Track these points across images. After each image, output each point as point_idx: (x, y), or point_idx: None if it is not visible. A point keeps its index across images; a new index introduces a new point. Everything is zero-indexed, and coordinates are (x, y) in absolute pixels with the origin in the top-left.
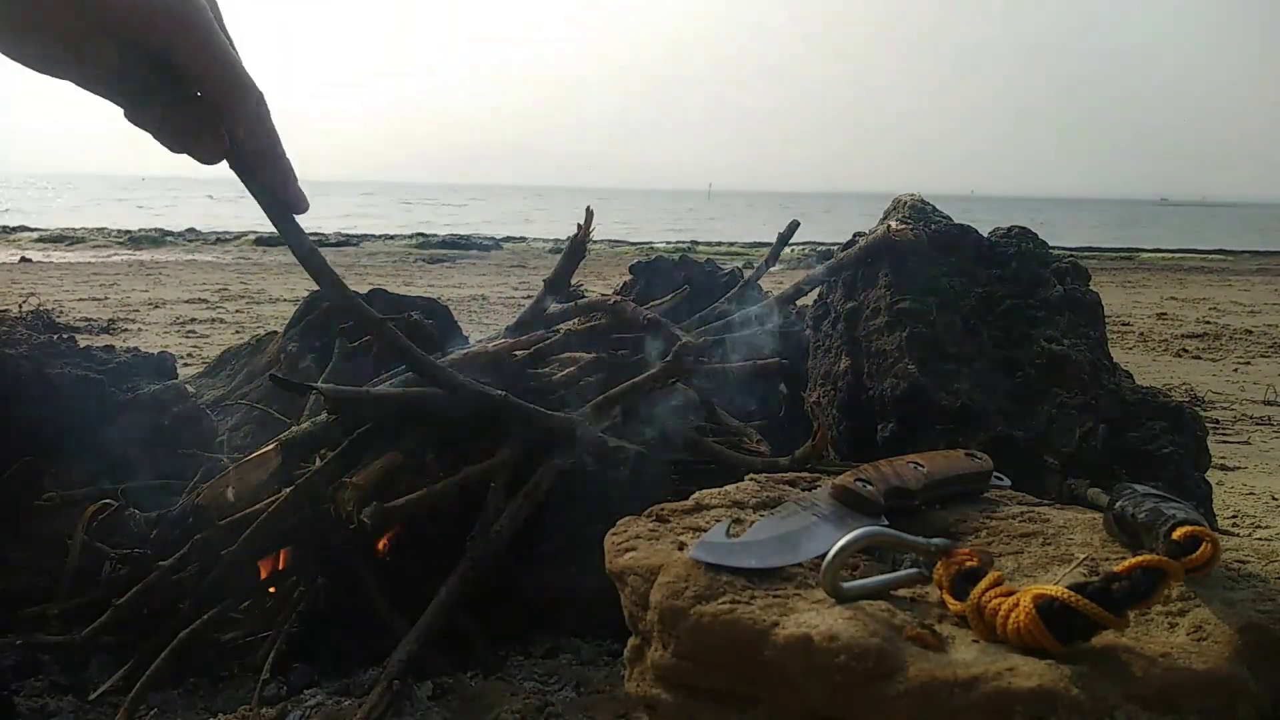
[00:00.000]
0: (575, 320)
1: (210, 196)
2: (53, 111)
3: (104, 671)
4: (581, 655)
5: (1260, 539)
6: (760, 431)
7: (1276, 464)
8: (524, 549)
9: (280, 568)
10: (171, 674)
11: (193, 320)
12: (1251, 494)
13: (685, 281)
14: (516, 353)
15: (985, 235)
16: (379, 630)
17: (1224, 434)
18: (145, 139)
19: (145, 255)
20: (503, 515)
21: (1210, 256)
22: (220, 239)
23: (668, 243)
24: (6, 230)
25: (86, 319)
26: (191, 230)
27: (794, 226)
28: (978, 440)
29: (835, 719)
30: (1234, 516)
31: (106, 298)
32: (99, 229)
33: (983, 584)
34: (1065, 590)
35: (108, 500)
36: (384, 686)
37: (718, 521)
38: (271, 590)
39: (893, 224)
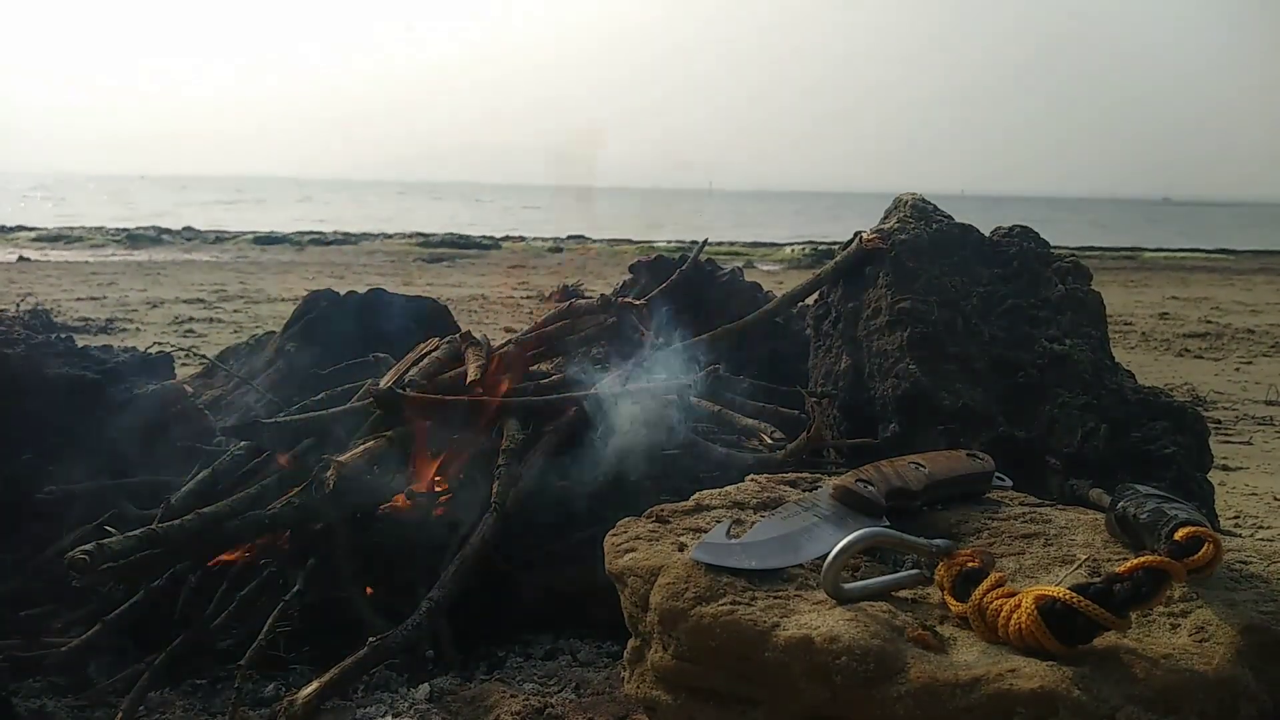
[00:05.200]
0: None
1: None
2: (53, 111)
3: (103, 672)
4: (581, 656)
5: (1262, 539)
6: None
7: (1278, 464)
8: (524, 549)
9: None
10: (170, 675)
11: (191, 320)
12: (1254, 494)
13: (684, 281)
14: None
15: (986, 234)
16: (367, 628)
17: (1226, 434)
18: (144, 139)
19: (143, 254)
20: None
21: (1213, 256)
22: (219, 238)
23: (668, 242)
24: (4, 229)
25: (84, 318)
26: (190, 229)
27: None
28: (979, 440)
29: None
30: (1236, 517)
31: (105, 297)
32: (97, 228)
33: (984, 585)
34: (1067, 591)
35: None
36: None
37: (718, 522)
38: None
39: (864, 234)
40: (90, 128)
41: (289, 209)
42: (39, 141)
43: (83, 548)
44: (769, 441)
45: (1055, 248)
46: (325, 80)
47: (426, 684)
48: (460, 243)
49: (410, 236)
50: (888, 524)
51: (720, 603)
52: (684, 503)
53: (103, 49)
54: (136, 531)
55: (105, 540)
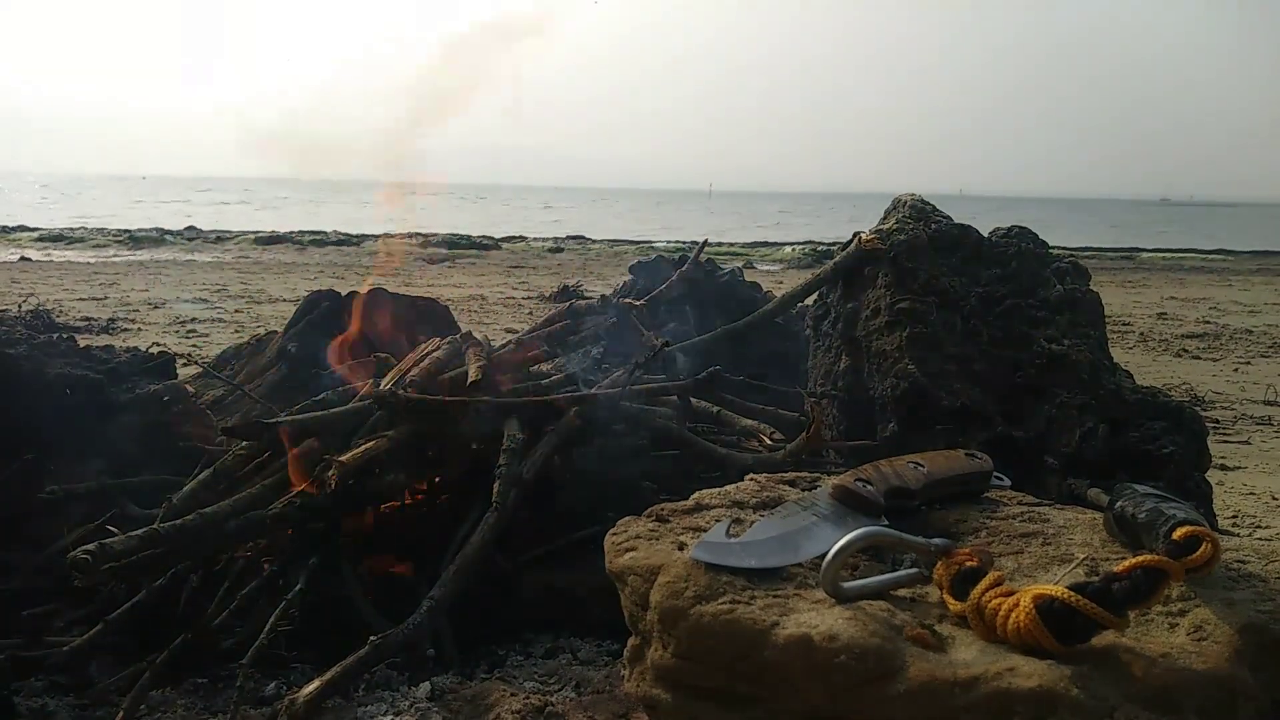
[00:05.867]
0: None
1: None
2: (55, 112)
3: (104, 671)
4: (581, 655)
5: (1260, 539)
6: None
7: (1276, 464)
8: (524, 549)
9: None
10: (171, 674)
11: (193, 320)
12: (1252, 494)
13: (684, 281)
14: None
15: (985, 235)
16: (367, 627)
17: (1224, 434)
18: (144, 140)
19: (145, 254)
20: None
21: (1211, 256)
22: (220, 238)
23: (668, 242)
24: (6, 229)
25: (86, 318)
26: (191, 229)
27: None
28: (978, 440)
29: (836, 719)
30: (1234, 516)
31: (106, 297)
32: (99, 228)
33: (983, 584)
34: (1065, 590)
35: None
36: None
37: (718, 521)
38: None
39: (863, 235)
40: (92, 129)
41: (296, 210)
42: (41, 143)
43: (85, 548)
44: (768, 443)
45: (1053, 248)
46: (331, 83)
47: (427, 682)
48: (460, 243)
49: (411, 237)
50: (886, 523)
51: (720, 601)
52: (684, 502)
53: (105, 49)
54: (139, 531)
55: (107, 540)
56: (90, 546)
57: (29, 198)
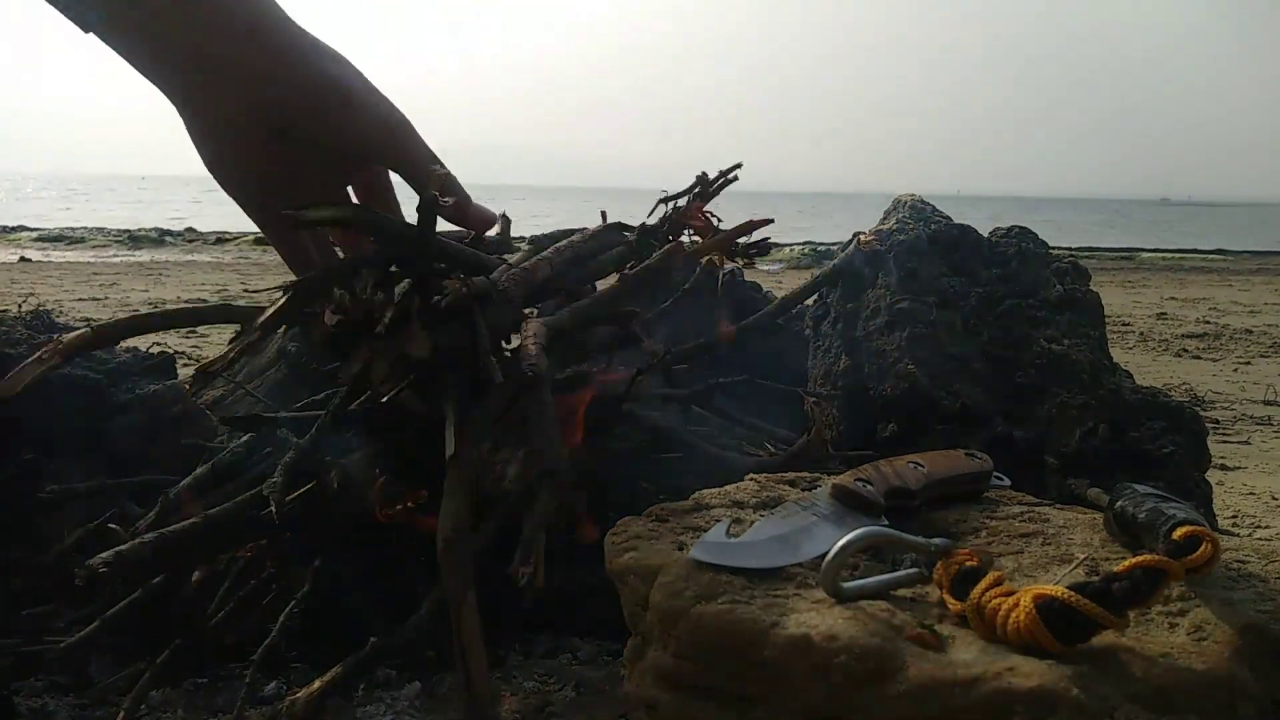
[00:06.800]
0: None
1: (197, 201)
2: (55, 112)
3: (104, 671)
4: (581, 655)
5: (1260, 539)
6: None
7: (1277, 464)
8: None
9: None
10: (171, 674)
11: None
12: (1252, 494)
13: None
14: None
15: (985, 235)
16: (369, 628)
17: (1224, 434)
18: (144, 140)
19: (145, 255)
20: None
21: (1210, 256)
22: (220, 239)
23: None
24: (6, 230)
25: (86, 319)
26: (191, 230)
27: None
28: (978, 440)
29: (835, 719)
30: (1234, 516)
31: (106, 297)
32: (98, 228)
33: (983, 584)
34: (1065, 590)
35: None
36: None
37: (718, 521)
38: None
39: (862, 236)
40: (92, 129)
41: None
42: (40, 143)
43: (103, 556)
44: (770, 449)
45: (1053, 248)
46: None
47: (428, 682)
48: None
49: None
50: (886, 523)
51: (719, 601)
52: (683, 502)
53: (106, 49)
54: (148, 536)
55: (121, 548)
56: (107, 556)
57: (28, 198)
